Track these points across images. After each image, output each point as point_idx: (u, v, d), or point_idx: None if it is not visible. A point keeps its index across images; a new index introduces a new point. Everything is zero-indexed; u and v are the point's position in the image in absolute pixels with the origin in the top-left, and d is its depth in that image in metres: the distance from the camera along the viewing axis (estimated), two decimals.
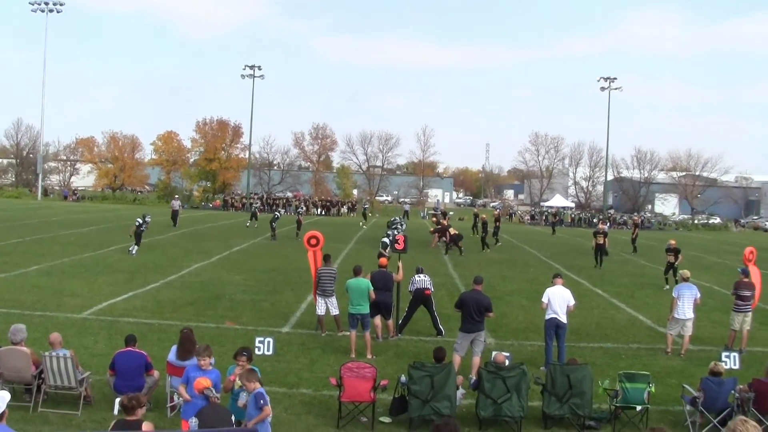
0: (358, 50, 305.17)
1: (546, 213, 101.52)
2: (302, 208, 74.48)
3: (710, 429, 13.33)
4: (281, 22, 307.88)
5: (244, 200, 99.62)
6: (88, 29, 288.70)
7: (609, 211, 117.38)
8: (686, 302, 19.06)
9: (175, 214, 56.89)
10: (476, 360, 16.19)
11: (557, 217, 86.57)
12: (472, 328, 16.44)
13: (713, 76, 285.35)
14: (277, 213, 54.93)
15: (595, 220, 47.14)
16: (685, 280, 19.70)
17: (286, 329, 20.50)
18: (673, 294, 19.39)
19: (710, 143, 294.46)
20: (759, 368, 16.18)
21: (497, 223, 54.16)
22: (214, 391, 11.31)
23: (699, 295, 19.45)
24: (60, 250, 35.51)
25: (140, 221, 36.83)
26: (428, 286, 20.58)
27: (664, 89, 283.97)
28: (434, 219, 48.57)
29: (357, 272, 18.69)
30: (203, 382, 11.04)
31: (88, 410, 13.04)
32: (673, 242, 34.16)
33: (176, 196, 71.97)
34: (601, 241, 39.29)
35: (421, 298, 20.44)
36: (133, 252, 35.09)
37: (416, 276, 20.79)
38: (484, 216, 53.81)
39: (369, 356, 17.42)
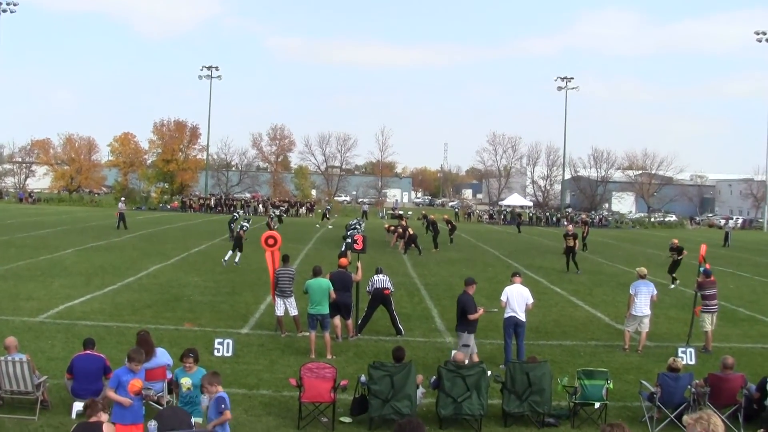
0: (315, 50, 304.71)
1: (505, 212, 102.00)
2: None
3: (667, 424, 13.47)
4: (238, 22, 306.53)
5: (201, 201, 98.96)
6: (43, 29, 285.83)
7: (567, 209, 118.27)
8: (643, 299, 19.19)
9: (121, 217, 55.16)
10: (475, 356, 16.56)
11: (521, 217, 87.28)
12: (473, 328, 16.99)
13: (668, 76, 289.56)
14: (235, 214, 54.54)
15: (565, 222, 45.57)
16: (642, 277, 19.81)
17: (246, 330, 20.42)
18: (630, 291, 19.48)
19: (666, 142, 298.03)
20: (714, 363, 16.39)
21: (449, 225, 54.35)
22: (152, 390, 11.29)
23: (656, 292, 19.59)
24: (15, 253, 35.06)
25: (246, 225, 37.63)
26: (387, 285, 20.60)
27: (620, 89, 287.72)
28: (403, 222, 48.35)
29: (317, 272, 18.64)
30: (137, 384, 10.95)
31: (45, 415, 12.88)
32: (675, 241, 34.56)
33: (122, 198, 70.78)
34: (572, 243, 37.81)
35: (380, 297, 20.46)
36: (237, 261, 34.51)
37: (375, 276, 20.82)
38: (433, 216, 55.36)
39: (329, 356, 17.38)
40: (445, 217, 60.79)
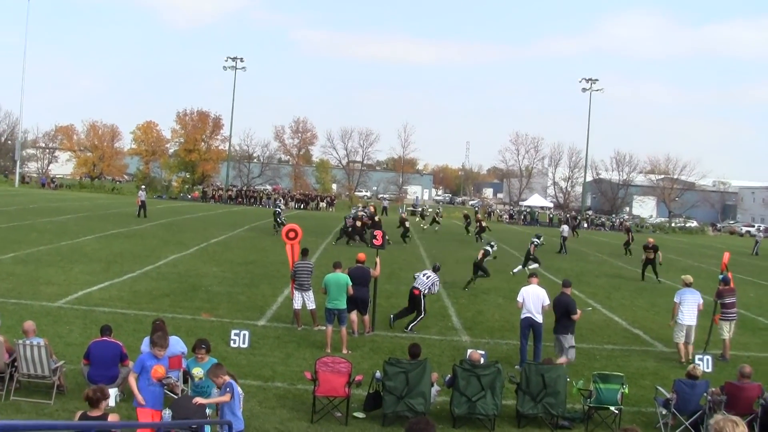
0: (340, 45, 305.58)
1: (525, 212, 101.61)
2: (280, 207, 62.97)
3: (682, 431, 13.41)
4: (264, 15, 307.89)
5: (221, 192, 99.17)
6: (70, 15, 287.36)
7: (587, 212, 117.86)
8: (689, 307, 19.03)
9: (142, 205, 55.33)
10: (561, 360, 16.55)
11: (577, 219, 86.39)
12: (557, 329, 17.33)
13: (693, 80, 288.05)
14: (277, 209, 54.20)
15: (650, 239, 42.16)
16: (688, 285, 19.66)
17: (262, 322, 20.46)
18: (675, 299, 19.34)
19: (689, 147, 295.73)
20: (732, 372, 16.29)
21: (478, 224, 55.62)
22: (173, 378, 11.31)
23: (701, 301, 19.42)
24: (37, 238, 35.29)
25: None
26: (418, 285, 20.98)
27: (644, 92, 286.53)
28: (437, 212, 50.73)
29: (336, 267, 18.66)
30: (160, 370, 10.97)
31: (61, 399, 12.97)
32: (651, 240, 34.45)
33: (142, 187, 70.97)
34: (652, 256, 36.08)
35: (410, 295, 20.96)
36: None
37: (422, 272, 21.81)
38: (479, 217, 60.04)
39: (345, 351, 17.40)
40: (478, 216, 63.15)
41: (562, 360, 16.55)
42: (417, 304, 20.79)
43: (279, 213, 51.20)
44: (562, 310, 17.19)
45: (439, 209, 79.73)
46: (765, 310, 28.31)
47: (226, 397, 10.48)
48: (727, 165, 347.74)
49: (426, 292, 21.06)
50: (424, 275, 21.45)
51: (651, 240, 36.07)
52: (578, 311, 17.38)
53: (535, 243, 35.25)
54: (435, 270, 22.00)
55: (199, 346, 12.13)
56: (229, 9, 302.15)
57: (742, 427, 6.54)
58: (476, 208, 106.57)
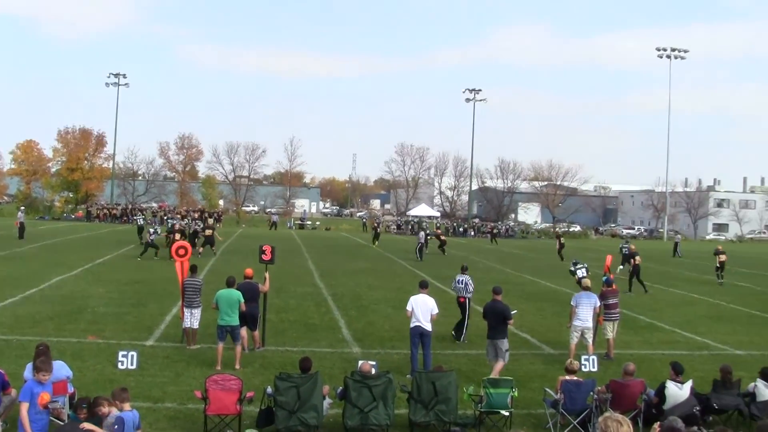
0: (225, 59, 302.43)
1: (412, 223, 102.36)
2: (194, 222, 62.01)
3: (571, 429, 13.70)
4: (148, 29, 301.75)
5: (106, 211, 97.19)
6: None
7: (474, 220, 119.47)
8: (585, 310, 19.32)
9: (21, 227, 53.87)
10: (500, 364, 16.96)
11: (495, 229, 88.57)
12: (493, 335, 17.38)
13: (574, 90, 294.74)
14: (139, 220, 54.72)
15: (624, 247, 41.33)
16: (586, 289, 20.03)
17: (151, 342, 20.11)
18: (572, 303, 19.63)
19: (571, 154, 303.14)
20: (616, 370, 16.73)
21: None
22: (59, 403, 11.09)
23: (599, 304, 19.76)
24: None
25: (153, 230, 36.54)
26: (462, 294, 22.16)
27: (526, 101, 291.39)
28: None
29: (230, 284, 18.48)
30: (46, 396, 10.75)
31: None
32: (632, 247, 35.17)
33: (21, 208, 68.96)
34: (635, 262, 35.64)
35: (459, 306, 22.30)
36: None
37: (458, 276, 22.68)
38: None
39: (237, 367, 17.26)
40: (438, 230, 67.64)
41: (499, 365, 16.85)
42: (463, 311, 21.74)
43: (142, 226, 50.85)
44: (498, 317, 17.31)
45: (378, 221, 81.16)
46: (646, 309, 29.15)
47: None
48: (608, 171, 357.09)
49: (469, 296, 21.94)
50: (459, 282, 22.32)
51: (632, 246, 36.84)
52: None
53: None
54: (463, 271, 22.89)
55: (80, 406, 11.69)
56: (113, 23, 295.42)
57: (626, 426, 6.76)
58: (364, 220, 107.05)
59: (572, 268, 30.35)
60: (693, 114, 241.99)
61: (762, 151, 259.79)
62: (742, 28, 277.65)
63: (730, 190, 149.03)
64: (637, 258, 35.76)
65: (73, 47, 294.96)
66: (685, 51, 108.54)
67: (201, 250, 46.28)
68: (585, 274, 27.99)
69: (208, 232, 49.57)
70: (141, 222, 56.70)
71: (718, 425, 11.56)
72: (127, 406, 10.70)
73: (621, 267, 40.84)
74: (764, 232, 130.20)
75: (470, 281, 22.28)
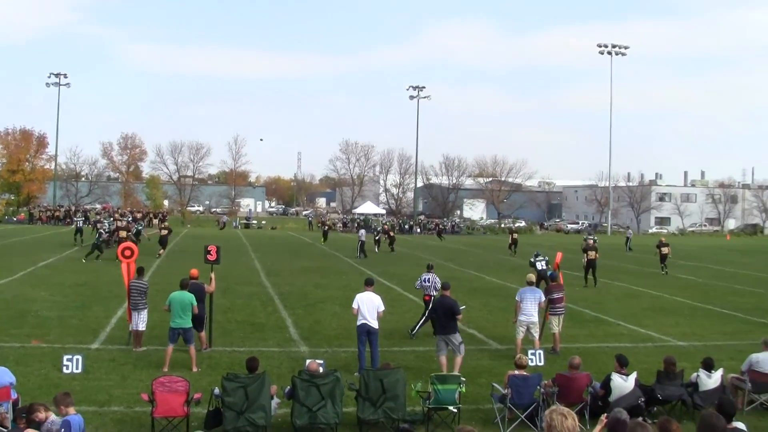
0: (167, 58, 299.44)
1: (358, 220, 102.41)
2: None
3: (518, 424, 13.78)
4: (88, 29, 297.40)
5: (49, 212, 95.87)
6: None
7: (420, 217, 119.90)
8: (530, 305, 19.41)
9: None
10: (458, 358, 17.17)
11: (441, 226, 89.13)
12: (444, 330, 17.42)
13: (517, 86, 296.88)
14: (78, 222, 54.71)
15: (589, 238, 42.54)
16: (530, 283, 20.16)
17: (96, 345, 19.82)
18: (516, 298, 19.75)
19: (515, 150, 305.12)
20: (562, 364, 16.87)
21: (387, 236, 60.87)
22: (2, 409, 10.94)
23: (543, 299, 19.89)
24: None
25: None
26: (428, 292, 22.35)
27: (471, 98, 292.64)
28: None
29: (183, 286, 18.30)
30: None
31: None
32: (590, 242, 35.42)
33: None
34: (593, 257, 35.96)
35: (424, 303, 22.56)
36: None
37: (424, 275, 22.70)
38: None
39: (195, 369, 17.20)
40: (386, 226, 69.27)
41: (458, 359, 17.05)
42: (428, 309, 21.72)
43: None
44: (448, 312, 17.34)
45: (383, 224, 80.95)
46: (590, 303, 29.46)
47: None
48: (552, 166, 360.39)
49: (435, 293, 21.79)
50: (425, 281, 22.41)
51: (591, 241, 37.06)
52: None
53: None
54: (429, 269, 23.05)
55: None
56: (51, 23, 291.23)
57: (570, 419, 6.80)
58: (310, 219, 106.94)
59: (532, 260, 30.68)
60: (635, 109, 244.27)
61: (702, 146, 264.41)
62: (681, 24, 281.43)
63: (672, 184, 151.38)
64: (591, 253, 36.02)
65: (9, 48, 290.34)
66: (626, 47, 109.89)
67: (162, 251, 46.83)
68: (544, 267, 28.31)
69: (163, 232, 49.73)
70: (81, 224, 56.10)
71: (662, 415, 11.68)
72: (71, 410, 10.56)
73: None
74: (705, 225, 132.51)
75: (437, 279, 22.30)
